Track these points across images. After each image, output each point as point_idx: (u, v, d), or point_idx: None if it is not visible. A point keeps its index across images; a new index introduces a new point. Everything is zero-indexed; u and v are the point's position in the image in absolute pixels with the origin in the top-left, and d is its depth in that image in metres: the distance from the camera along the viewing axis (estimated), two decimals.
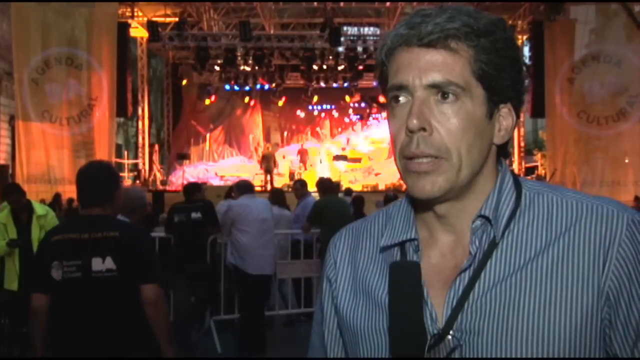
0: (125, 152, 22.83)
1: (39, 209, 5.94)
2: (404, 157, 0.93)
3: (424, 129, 0.91)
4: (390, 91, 0.95)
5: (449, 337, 0.91)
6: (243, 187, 6.64)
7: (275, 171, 18.93)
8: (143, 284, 2.79)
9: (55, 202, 12.25)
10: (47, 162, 14.97)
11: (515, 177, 1.01)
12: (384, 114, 22.13)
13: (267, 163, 18.63)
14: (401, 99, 0.94)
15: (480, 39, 0.92)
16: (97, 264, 2.73)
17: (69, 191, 14.71)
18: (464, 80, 0.91)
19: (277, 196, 8.27)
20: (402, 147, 0.93)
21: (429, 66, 0.91)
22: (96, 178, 2.97)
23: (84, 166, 3.15)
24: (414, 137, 0.91)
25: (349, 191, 12.17)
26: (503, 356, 0.89)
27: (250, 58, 18.93)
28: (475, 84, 0.92)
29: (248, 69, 19.93)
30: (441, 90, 0.91)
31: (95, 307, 2.73)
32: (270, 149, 20.16)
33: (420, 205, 1.00)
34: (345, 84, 21.30)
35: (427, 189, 0.92)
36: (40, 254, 2.92)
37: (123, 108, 16.50)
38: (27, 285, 2.98)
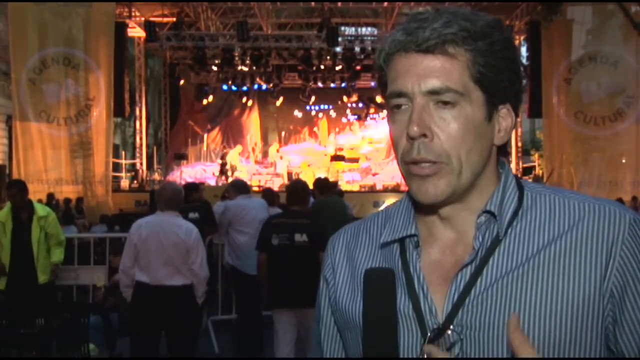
0: (123, 153, 22.81)
1: (40, 209, 5.90)
2: (406, 162, 0.95)
3: (424, 135, 0.92)
4: (390, 98, 0.96)
5: (449, 332, 0.92)
6: (239, 187, 6.64)
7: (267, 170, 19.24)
8: (320, 252, 4.60)
9: (49, 202, 12.23)
10: (45, 163, 14.95)
11: (518, 178, 1.02)
12: (382, 114, 22.17)
13: (223, 165, 18.93)
14: (401, 105, 0.95)
15: (478, 42, 0.92)
16: (298, 237, 4.86)
17: (67, 191, 14.71)
18: (462, 85, 0.92)
19: (267, 196, 8.23)
20: (404, 153, 0.94)
21: (428, 72, 0.92)
22: (301, 189, 5.29)
23: (294, 180, 5.50)
24: (415, 143, 0.92)
25: (340, 192, 12.06)
26: (504, 350, 0.90)
27: (248, 58, 18.92)
28: (474, 87, 0.93)
29: (245, 69, 19.92)
30: (440, 96, 0.92)
31: (295, 261, 4.81)
32: (225, 149, 20.43)
33: (422, 206, 1.00)
34: (343, 84, 21.29)
35: (431, 192, 0.93)
36: (265, 228, 5.05)
37: (120, 108, 16.48)
38: (257, 246, 5.10)
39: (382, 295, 0.90)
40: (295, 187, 5.34)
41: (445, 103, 0.92)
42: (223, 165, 19.05)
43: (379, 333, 0.89)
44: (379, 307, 0.89)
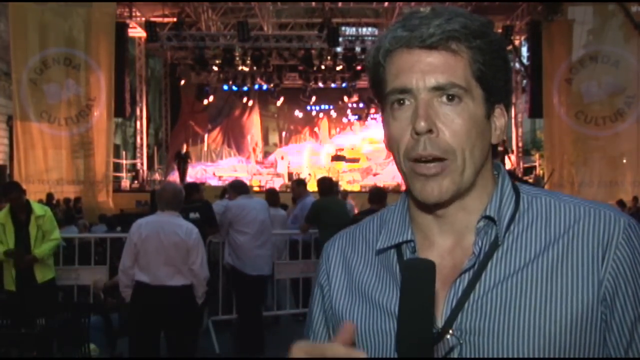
0: (124, 153, 22.81)
1: (38, 209, 5.92)
2: (410, 159, 0.93)
3: (430, 131, 0.91)
4: (392, 94, 0.95)
5: (448, 336, 0.92)
6: (238, 188, 6.63)
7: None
8: None
9: (49, 202, 12.22)
10: (45, 163, 14.96)
11: (513, 181, 1.02)
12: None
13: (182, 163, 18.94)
14: (404, 101, 0.94)
15: (477, 40, 0.92)
16: None
17: (67, 191, 14.72)
18: (465, 81, 0.92)
19: (271, 197, 8.24)
20: (408, 149, 0.93)
21: (432, 68, 0.92)
22: (379, 190, 6.91)
23: (374, 187, 7.99)
24: (420, 139, 0.91)
25: (344, 194, 12.04)
26: (503, 355, 0.89)
27: (248, 58, 18.94)
28: (475, 84, 0.93)
29: (246, 69, 19.93)
30: (445, 91, 0.92)
31: None
32: (185, 149, 20.44)
33: (417, 208, 1.00)
34: (344, 84, 21.32)
35: (436, 192, 0.93)
36: (350, 223, 5.75)
37: (121, 108, 16.50)
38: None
39: (420, 287, 0.89)
40: (376, 189, 7.39)
41: (450, 99, 0.92)
42: (180, 164, 18.76)
43: (414, 328, 0.88)
44: (416, 300, 0.88)
